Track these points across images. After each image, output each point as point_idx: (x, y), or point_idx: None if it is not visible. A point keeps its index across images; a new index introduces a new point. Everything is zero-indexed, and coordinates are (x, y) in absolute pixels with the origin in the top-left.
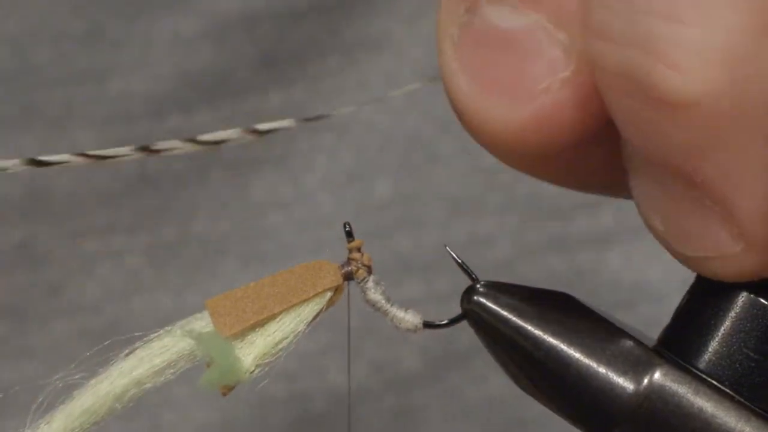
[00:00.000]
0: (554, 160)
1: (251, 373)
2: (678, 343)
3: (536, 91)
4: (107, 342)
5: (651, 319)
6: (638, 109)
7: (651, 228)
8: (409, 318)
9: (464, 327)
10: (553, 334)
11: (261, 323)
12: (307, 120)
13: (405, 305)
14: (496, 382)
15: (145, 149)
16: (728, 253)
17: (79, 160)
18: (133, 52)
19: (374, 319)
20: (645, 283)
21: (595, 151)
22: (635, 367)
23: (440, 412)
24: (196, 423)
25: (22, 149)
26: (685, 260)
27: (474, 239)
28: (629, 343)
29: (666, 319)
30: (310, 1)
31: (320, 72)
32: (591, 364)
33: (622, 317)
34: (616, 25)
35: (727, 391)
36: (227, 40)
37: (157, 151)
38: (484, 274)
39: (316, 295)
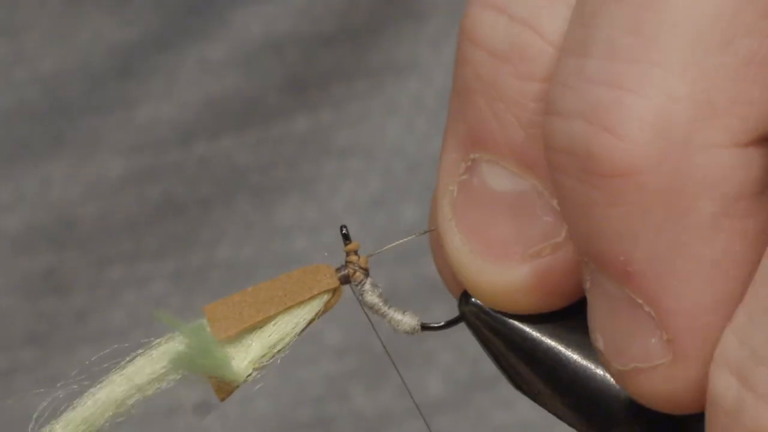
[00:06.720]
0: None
1: (248, 376)
2: None
3: (527, 255)
4: (107, 350)
5: None
6: (577, 187)
7: (596, 350)
8: (407, 320)
9: None
10: (551, 336)
11: (258, 326)
12: None
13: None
14: (523, 406)
15: None
16: (656, 364)
17: None
18: (161, 80)
19: (397, 344)
20: None
21: None
22: None
23: None
24: None
25: (50, 178)
26: (619, 377)
27: None
28: None
29: None
30: (337, 25)
31: (347, 96)
32: (589, 365)
33: None
34: (567, 98)
35: None
36: (254, 66)
37: None
38: None
39: (313, 297)
